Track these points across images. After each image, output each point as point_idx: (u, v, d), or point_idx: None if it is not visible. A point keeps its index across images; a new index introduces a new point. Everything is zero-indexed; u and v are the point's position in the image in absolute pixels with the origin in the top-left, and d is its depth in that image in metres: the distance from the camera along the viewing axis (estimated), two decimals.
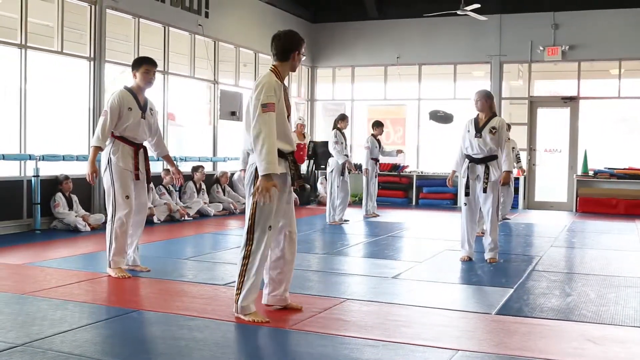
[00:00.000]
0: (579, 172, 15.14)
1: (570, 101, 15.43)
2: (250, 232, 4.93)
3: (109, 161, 6.41)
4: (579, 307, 5.51)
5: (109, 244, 6.41)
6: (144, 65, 6.50)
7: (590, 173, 14.99)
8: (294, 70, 5.18)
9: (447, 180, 8.03)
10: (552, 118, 15.83)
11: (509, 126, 10.28)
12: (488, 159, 7.51)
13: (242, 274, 4.84)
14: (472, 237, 7.70)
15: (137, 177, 6.53)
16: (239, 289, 4.82)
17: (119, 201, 6.39)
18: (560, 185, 15.47)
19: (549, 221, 12.55)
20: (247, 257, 4.88)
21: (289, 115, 5.01)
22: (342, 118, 11.90)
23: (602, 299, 5.84)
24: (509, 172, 7.72)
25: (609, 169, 14.92)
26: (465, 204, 7.64)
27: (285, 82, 5.10)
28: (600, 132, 15.71)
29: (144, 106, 6.57)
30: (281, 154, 4.85)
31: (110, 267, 6.42)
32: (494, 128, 7.48)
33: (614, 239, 10.21)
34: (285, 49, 4.96)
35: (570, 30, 15.13)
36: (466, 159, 7.65)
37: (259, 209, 4.89)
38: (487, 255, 7.61)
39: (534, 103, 15.76)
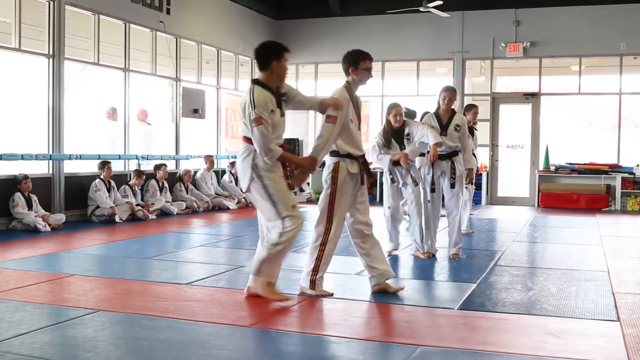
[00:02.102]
0: (541, 167, 15.32)
1: (532, 97, 15.61)
2: (330, 222, 5.59)
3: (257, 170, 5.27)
4: (541, 301, 5.56)
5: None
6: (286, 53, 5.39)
7: (552, 168, 15.18)
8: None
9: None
10: (514, 114, 15.99)
11: (475, 123, 10.39)
12: (452, 155, 7.52)
13: (320, 258, 5.58)
14: (435, 233, 7.68)
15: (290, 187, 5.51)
16: (316, 270, 5.56)
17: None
18: (522, 180, 15.65)
19: (512, 216, 12.67)
20: (324, 244, 5.60)
21: (359, 125, 5.70)
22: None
23: (562, 292, 5.90)
24: (471, 170, 7.87)
25: (570, 164, 15.12)
26: (429, 201, 7.59)
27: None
28: (561, 128, 15.92)
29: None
30: (352, 157, 5.57)
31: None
32: (458, 125, 7.51)
33: (575, 233, 10.34)
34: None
35: (531, 27, 15.29)
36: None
37: (337, 201, 5.55)
38: (451, 251, 7.61)
39: (496, 99, 15.90)
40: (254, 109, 5.06)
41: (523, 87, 16.24)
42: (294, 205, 5.34)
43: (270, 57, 5.21)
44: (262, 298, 5.30)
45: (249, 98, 5.11)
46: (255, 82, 5.25)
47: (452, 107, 7.63)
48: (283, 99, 5.34)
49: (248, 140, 5.24)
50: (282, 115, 5.30)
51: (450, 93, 7.56)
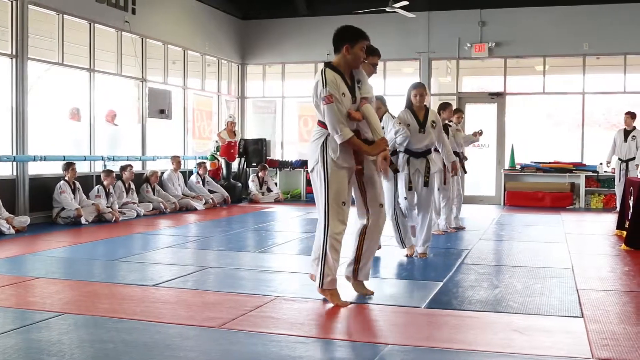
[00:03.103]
0: (507, 166, 15.49)
1: (497, 97, 15.77)
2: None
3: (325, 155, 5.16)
4: (506, 298, 5.62)
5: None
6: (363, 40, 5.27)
7: (517, 167, 15.35)
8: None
9: None
10: (480, 113, 16.13)
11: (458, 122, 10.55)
12: (427, 153, 7.52)
13: (361, 248, 5.44)
14: (406, 232, 7.65)
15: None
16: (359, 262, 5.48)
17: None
18: (488, 179, 15.79)
19: (478, 215, 12.77)
20: (364, 234, 5.41)
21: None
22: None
23: (528, 290, 5.97)
24: (455, 162, 7.97)
25: (535, 163, 15.30)
26: (406, 198, 7.51)
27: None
28: (526, 127, 16.10)
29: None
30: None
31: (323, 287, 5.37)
32: (434, 122, 7.52)
33: (540, 231, 10.46)
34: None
35: (496, 28, 15.44)
36: (404, 153, 7.52)
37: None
38: (419, 250, 7.58)
39: (462, 99, 16.03)
40: (325, 86, 5.01)
41: (488, 86, 16.39)
42: (344, 202, 5.17)
43: (343, 40, 5.18)
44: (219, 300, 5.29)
45: (321, 77, 5.06)
46: (326, 64, 5.21)
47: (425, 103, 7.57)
48: (358, 85, 5.24)
49: (322, 124, 5.13)
50: (354, 102, 5.16)
51: (421, 89, 7.50)
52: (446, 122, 9.72)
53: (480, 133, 11.17)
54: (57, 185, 10.68)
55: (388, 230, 7.74)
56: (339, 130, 4.99)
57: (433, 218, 7.99)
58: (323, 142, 5.12)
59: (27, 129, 10.66)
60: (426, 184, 7.46)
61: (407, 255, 7.62)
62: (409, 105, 7.52)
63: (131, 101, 13.70)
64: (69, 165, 10.84)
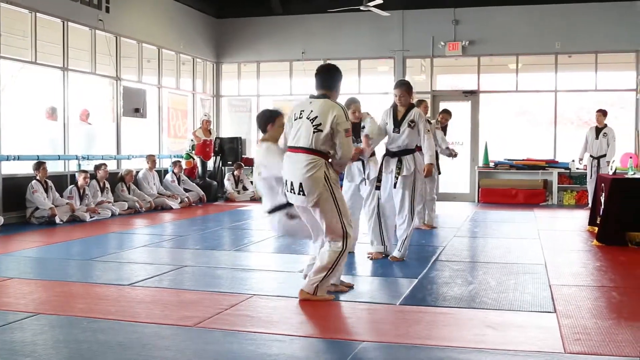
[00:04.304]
0: (480, 163, 15.59)
1: (471, 95, 15.87)
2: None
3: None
4: (480, 294, 5.68)
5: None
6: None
7: (491, 164, 15.46)
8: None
9: None
10: (454, 111, 16.13)
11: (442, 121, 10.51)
12: (403, 153, 7.27)
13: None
14: (387, 232, 7.42)
15: None
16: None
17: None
18: (462, 176, 15.87)
19: (452, 212, 12.85)
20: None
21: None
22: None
23: (501, 286, 6.04)
24: (430, 165, 7.33)
25: (508, 160, 15.43)
26: (379, 198, 7.37)
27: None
28: (500, 125, 16.22)
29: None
30: None
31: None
32: (412, 121, 7.22)
33: (514, 227, 10.56)
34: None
35: (470, 26, 15.54)
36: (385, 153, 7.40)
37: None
38: (394, 253, 7.31)
39: (437, 97, 16.11)
40: (347, 120, 5.41)
41: (462, 85, 16.49)
42: (349, 217, 5.60)
43: (339, 81, 5.63)
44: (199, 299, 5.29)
45: (342, 112, 5.37)
46: (328, 97, 5.48)
47: (412, 101, 7.36)
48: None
49: (315, 152, 5.34)
50: None
51: (399, 90, 7.27)
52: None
53: (455, 155, 11.25)
54: (29, 185, 10.59)
55: (364, 228, 7.79)
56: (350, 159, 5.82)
57: (413, 220, 7.50)
58: (325, 173, 5.33)
59: (0, 128, 10.55)
60: (395, 185, 7.23)
61: (369, 254, 7.43)
62: (394, 104, 7.36)
63: (106, 100, 13.61)
64: (39, 165, 10.74)
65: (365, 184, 7.44)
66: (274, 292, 5.78)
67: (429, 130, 7.40)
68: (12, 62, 11.18)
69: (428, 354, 4.10)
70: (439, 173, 10.93)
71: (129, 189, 12.80)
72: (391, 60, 16.11)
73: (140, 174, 13.41)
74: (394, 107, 7.37)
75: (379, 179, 7.31)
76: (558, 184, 14.99)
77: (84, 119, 12.83)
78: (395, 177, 7.23)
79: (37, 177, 10.70)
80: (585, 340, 4.33)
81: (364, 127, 7.37)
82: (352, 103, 7.38)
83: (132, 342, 4.31)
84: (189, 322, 4.73)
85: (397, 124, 7.27)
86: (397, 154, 7.30)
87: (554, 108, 15.49)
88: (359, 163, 7.43)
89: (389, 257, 7.33)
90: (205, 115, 15.65)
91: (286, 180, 5.39)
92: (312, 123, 5.32)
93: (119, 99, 13.44)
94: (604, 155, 13.07)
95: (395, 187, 7.26)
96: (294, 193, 5.33)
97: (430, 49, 15.72)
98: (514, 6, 15.30)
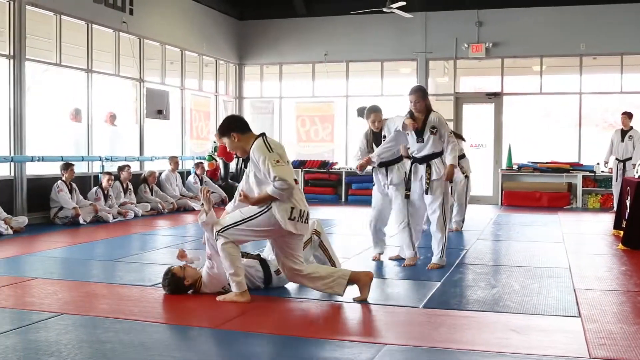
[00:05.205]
0: (504, 166, 15.50)
1: (494, 97, 15.78)
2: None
3: None
4: (504, 298, 5.63)
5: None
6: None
7: (515, 167, 15.36)
8: None
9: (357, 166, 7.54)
10: (477, 114, 16.16)
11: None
12: (430, 157, 7.03)
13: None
14: (415, 239, 7.25)
15: None
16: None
17: None
18: (485, 179, 15.78)
19: (476, 215, 12.73)
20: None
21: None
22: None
23: (525, 289, 5.98)
24: (452, 166, 6.97)
25: (532, 163, 15.31)
26: (409, 207, 7.19)
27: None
28: (524, 127, 16.10)
29: None
30: None
31: None
32: (433, 127, 6.96)
33: (537, 231, 10.47)
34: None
35: (493, 28, 15.46)
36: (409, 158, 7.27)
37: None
38: (434, 260, 7.06)
39: (460, 99, 16.04)
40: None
41: (486, 87, 16.40)
42: None
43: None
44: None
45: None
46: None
47: (430, 106, 7.07)
48: None
49: None
50: None
51: (414, 95, 6.95)
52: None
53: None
54: (54, 184, 10.68)
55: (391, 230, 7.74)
56: None
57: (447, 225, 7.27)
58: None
59: (25, 129, 10.65)
60: (426, 191, 7.02)
61: (374, 258, 7.47)
62: (411, 112, 7.06)
63: (129, 102, 13.70)
64: (67, 166, 10.84)
65: (387, 188, 7.41)
66: (294, 294, 5.77)
67: (451, 133, 7.19)
68: (37, 64, 11.28)
69: (451, 357, 4.07)
70: (466, 176, 10.38)
71: (151, 190, 12.86)
72: (414, 62, 16.06)
73: (162, 176, 13.48)
74: (412, 114, 7.04)
75: (407, 187, 7.16)
76: (582, 187, 14.86)
77: (110, 122, 12.92)
78: (426, 182, 7.00)
79: (63, 178, 10.77)
80: (610, 345, 4.27)
81: (384, 137, 7.32)
82: (373, 112, 7.39)
83: (155, 342, 4.32)
84: (212, 324, 4.73)
85: (419, 133, 7.00)
86: (424, 160, 7.07)
87: (578, 110, 15.37)
88: (383, 169, 7.42)
89: (427, 266, 7.03)
90: None
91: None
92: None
93: (142, 100, 13.52)
94: (630, 158, 12.95)
95: (427, 193, 7.01)
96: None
97: (454, 50, 15.66)
98: (538, 7, 15.20)
